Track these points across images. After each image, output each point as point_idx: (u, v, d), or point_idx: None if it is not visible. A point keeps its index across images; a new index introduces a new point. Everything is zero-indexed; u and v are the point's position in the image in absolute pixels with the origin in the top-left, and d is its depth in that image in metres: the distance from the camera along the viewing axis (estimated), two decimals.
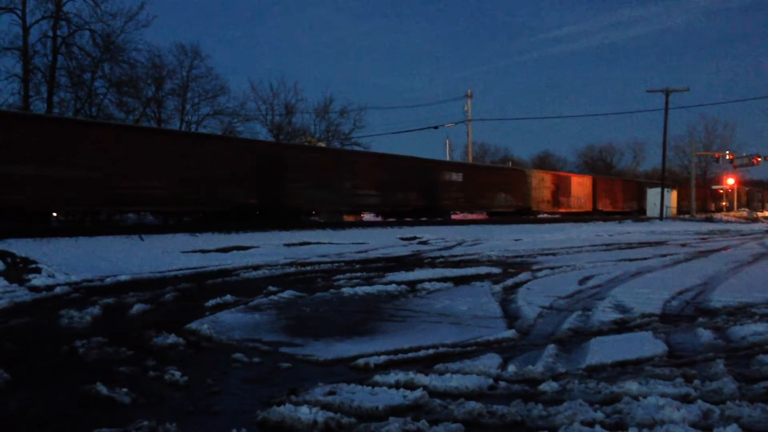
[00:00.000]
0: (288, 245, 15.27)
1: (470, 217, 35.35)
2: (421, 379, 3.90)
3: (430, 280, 8.51)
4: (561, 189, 41.62)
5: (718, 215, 50.15)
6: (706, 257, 12.90)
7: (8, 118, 17.64)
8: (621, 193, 50.56)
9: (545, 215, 39.35)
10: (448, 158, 54.65)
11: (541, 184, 39.50)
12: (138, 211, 20.98)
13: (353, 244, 16.15)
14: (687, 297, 7.26)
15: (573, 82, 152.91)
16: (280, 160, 23.21)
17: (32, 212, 16.99)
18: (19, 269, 9.21)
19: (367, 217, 31.55)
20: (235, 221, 20.39)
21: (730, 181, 61.97)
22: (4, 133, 15.93)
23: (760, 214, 58.53)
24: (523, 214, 36.69)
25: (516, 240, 18.33)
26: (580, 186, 44.51)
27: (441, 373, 4.04)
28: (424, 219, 28.90)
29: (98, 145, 17.81)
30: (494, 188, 34.98)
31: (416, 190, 29.23)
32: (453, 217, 33.20)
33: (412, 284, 8.19)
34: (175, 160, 19.65)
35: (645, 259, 12.24)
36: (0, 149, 15.76)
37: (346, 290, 7.72)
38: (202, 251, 13.11)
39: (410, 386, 3.77)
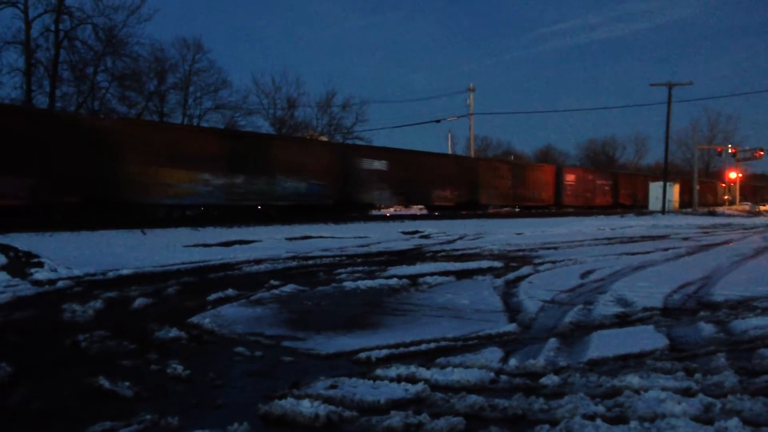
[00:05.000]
0: (290, 239, 15.29)
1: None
2: (423, 372, 3.91)
3: (431, 274, 8.51)
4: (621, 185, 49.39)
5: (720, 209, 50.07)
6: (708, 251, 12.88)
7: None
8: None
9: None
10: (450, 152, 54.69)
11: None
12: None
13: (355, 238, 16.16)
14: (689, 291, 7.25)
15: (576, 75, 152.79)
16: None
17: None
18: (22, 263, 9.22)
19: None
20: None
21: (732, 175, 61.82)
22: None
23: (762, 208, 58.35)
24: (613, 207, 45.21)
25: (518, 234, 18.33)
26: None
27: (443, 367, 4.04)
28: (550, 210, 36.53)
29: None
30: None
31: (546, 190, 36.48)
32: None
33: (413, 278, 8.18)
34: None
35: (647, 252, 12.23)
36: None
37: (348, 284, 7.72)
38: (205, 245, 13.13)
39: (412, 380, 3.78)
